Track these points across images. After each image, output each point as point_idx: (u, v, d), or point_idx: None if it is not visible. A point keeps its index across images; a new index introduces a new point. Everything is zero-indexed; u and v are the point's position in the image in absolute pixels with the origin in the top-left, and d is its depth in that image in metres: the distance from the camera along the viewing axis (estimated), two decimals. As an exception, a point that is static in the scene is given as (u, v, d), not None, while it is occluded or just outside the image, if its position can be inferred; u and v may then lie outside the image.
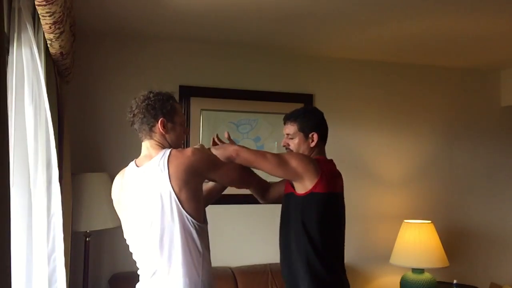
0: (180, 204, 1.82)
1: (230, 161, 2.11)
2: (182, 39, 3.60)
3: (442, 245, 3.72)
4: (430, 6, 2.85)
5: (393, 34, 3.41)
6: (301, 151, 2.28)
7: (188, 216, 1.83)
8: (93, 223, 2.99)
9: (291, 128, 2.31)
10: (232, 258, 3.65)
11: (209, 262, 1.95)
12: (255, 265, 3.64)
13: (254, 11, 2.95)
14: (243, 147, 2.19)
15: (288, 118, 2.34)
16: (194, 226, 1.85)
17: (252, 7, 2.88)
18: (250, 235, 3.75)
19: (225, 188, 2.33)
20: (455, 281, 3.63)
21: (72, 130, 3.09)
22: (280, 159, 2.15)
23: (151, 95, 1.91)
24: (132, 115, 1.93)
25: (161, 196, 1.83)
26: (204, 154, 1.93)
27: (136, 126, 1.94)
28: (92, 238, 3.09)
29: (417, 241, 3.66)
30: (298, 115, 2.31)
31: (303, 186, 2.17)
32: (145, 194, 1.88)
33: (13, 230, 1.68)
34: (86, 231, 3.05)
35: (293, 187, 2.22)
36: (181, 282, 1.83)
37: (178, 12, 2.97)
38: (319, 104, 3.83)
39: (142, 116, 1.90)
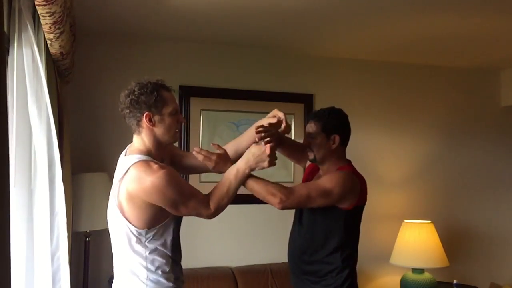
0: (121, 208, 1.81)
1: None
2: (182, 39, 3.60)
3: (442, 245, 3.72)
4: (430, 6, 2.85)
5: (393, 34, 3.41)
6: (321, 152, 2.26)
7: (126, 221, 1.81)
8: (93, 223, 2.99)
9: (314, 128, 2.26)
10: (232, 258, 3.65)
11: (162, 265, 1.86)
12: (255, 265, 3.64)
13: (254, 11, 2.95)
14: (284, 195, 2.08)
15: (312, 117, 2.30)
16: (132, 231, 1.81)
17: (252, 7, 2.88)
18: (250, 235, 3.75)
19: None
20: (455, 281, 3.63)
21: (72, 130, 3.09)
22: (324, 192, 2.12)
23: (136, 88, 1.83)
24: (120, 109, 1.89)
25: (112, 193, 1.85)
26: (166, 187, 1.76)
27: (126, 120, 1.90)
28: (92, 238, 3.09)
29: (417, 241, 3.66)
30: (323, 115, 2.28)
31: (348, 202, 2.19)
32: (113, 185, 1.90)
33: (14, 229, 1.68)
34: (86, 231, 3.05)
35: None
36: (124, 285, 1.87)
37: (178, 12, 2.97)
38: (319, 104, 3.82)
39: (128, 111, 1.84)
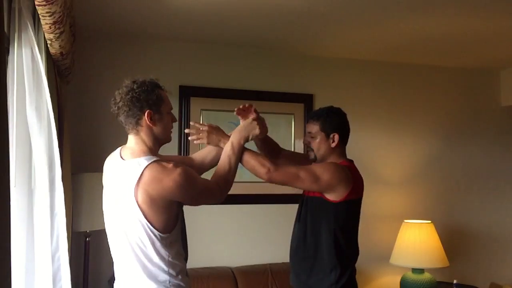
0: (143, 214, 1.75)
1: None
2: (182, 39, 3.60)
3: (442, 245, 3.72)
4: (430, 6, 2.85)
5: (393, 34, 3.41)
6: (321, 151, 2.29)
7: (150, 226, 1.76)
8: (93, 223, 2.99)
9: (313, 127, 2.30)
10: (232, 258, 3.65)
11: (177, 272, 1.85)
12: (255, 265, 3.64)
13: (254, 11, 2.95)
14: (273, 167, 2.11)
15: (311, 117, 2.35)
16: (156, 236, 1.77)
17: (252, 7, 2.88)
18: (250, 235, 3.75)
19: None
20: (455, 281, 3.63)
21: (72, 130, 3.09)
22: (313, 176, 2.15)
23: (135, 86, 1.81)
24: (116, 107, 1.83)
25: (126, 199, 1.77)
26: (187, 185, 1.78)
27: (121, 118, 1.85)
28: (92, 238, 3.09)
29: (417, 241, 3.66)
30: (322, 114, 2.31)
31: (337, 194, 2.18)
32: (118, 190, 1.82)
33: (14, 229, 1.68)
34: (86, 231, 3.05)
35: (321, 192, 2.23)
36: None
37: (178, 12, 2.97)
38: (319, 104, 3.82)
39: (127, 109, 1.80)
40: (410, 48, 3.77)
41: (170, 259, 1.81)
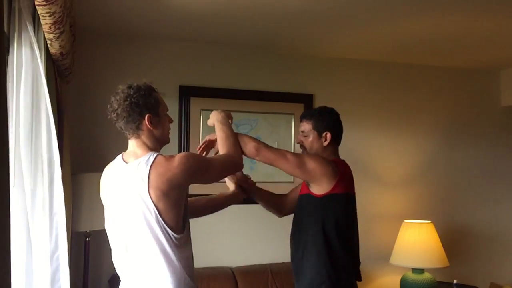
0: (159, 213, 1.75)
1: (245, 153, 2.17)
2: (182, 39, 3.60)
3: (442, 245, 3.72)
4: (430, 6, 2.85)
5: (393, 34, 3.41)
6: (314, 150, 2.31)
7: (166, 226, 1.76)
8: (93, 223, 2.98)
9: (306, 126, 2.33)
10: (232, 258, 3.65)
11: (189, 274, 1.86)
12: (255, 265, 3.64)
13: (254, 11, 2.95)
14: (263, 144, 2.18)
15: (304, 116, 2.37)
16: (170, 237, 1.78)
17: (252, 7, 2.89)
18: (250, 235, 3.75)
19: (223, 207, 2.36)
20: (455, 281, 3.63)
21: (72, 130, 3.09)
22: (299, 160, 2.17)
23: (132, 91, 1.82)
24: (115, 114, 1.83)
25: (139, 201, 1.77)
26: (191, 165, 1.82)
27: (121, 125, 1.84)
28: (92, 238, 3.09)
29: (417, 241, 3.66)
30: (314, 113, 2.34)
31: (321, 188, 2.19)
32: (127, 194, 1.81)
33: (14, 229, 1.68)
34: (86, 231, 3.05)
35: (308, 188, 2.24)
36: None
37: (178, 12, 2.97)
38: (319, 104, 3.81)
39: (127, 115, 1.80)
40: (410, 48, 3.77)
41: (183, 260, 1.82)
